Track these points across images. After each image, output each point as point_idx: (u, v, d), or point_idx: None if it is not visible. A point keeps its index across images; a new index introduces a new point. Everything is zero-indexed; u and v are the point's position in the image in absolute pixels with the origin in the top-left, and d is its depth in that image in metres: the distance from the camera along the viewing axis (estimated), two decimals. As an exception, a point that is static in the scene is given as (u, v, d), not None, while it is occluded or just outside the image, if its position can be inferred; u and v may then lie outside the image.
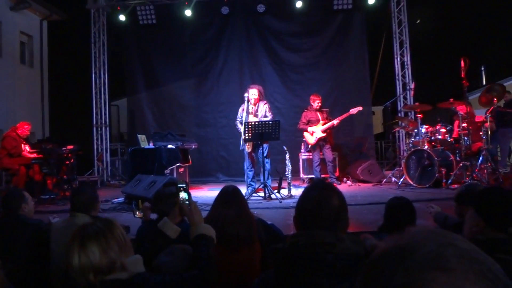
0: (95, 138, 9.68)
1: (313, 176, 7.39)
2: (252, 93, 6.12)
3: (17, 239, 2.76)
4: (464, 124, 6.28)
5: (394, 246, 0.54)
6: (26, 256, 2.70)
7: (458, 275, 0.47)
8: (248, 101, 6.07)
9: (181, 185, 2.22)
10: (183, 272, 1.67)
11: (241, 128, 5.92)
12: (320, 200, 1.41)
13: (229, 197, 2.34)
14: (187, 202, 2.09)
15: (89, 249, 1.39)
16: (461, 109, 6.43)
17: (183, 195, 2.17)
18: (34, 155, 6.70)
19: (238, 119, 6.23)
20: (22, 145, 6.67)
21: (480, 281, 0.47)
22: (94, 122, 9.71)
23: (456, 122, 6.73)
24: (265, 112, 6.11)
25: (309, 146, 7.30)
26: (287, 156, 6.05)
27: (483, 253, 0.52)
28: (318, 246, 1.28)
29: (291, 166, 6.10)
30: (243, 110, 6.12)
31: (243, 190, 6.05)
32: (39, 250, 2.69)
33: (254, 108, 6.14)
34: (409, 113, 8.60)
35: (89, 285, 1.39)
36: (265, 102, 6.23)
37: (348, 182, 7.46)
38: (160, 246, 1.97)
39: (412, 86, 8.57)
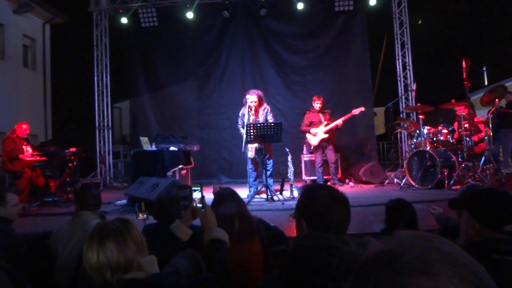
0: (97, 140, 9.70)
1: (315, 177, 7.40)
2: (252, 99, 5.94)
3: None
4: (466, 125, 6.28)
5: (381, 250, 0.55)
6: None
7: (443, 279, 0.48)
8: (248, 107, 5.98)
9: (196, 188, 2.24)
10: (197, 275, 1.69)
11: (243, 131, 5.86)
12: (328, 204, 1.42)
13: (225, 198, 2.37)
14: (200, 205, 2.11)
15: (107, 247, 1.42)
16: (461, 110, 6.44)
17: (197, 199, 2.19)
18: (35, 157, 6.66)
19: (240, 123, 6.17)
20: (24, 146, 6.60)
21: (464, 285, 0.48)
22: (97, 124, 9.74)
23: (455, 124, 6.73)
24: (265, 118, 5.99)
25: (312, 147, 7.30)
26: (289, 157, 6.05)
27: (467, 256, 0.53)
28: (323, 249, 1.29)
29: (293, 168, 6.10)
30: (243, 114, 6.05)
31: (246, 192, 6.10)
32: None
33: (254, 118, 6.00)
34: (411, 114, 8.58)
35: (106, 283, 1.42)
36: (265, 107, 6.08)
37: (350, 183, 7.46)
38: (172, 248, 2.00)
39: (414, 87, 8.57)
